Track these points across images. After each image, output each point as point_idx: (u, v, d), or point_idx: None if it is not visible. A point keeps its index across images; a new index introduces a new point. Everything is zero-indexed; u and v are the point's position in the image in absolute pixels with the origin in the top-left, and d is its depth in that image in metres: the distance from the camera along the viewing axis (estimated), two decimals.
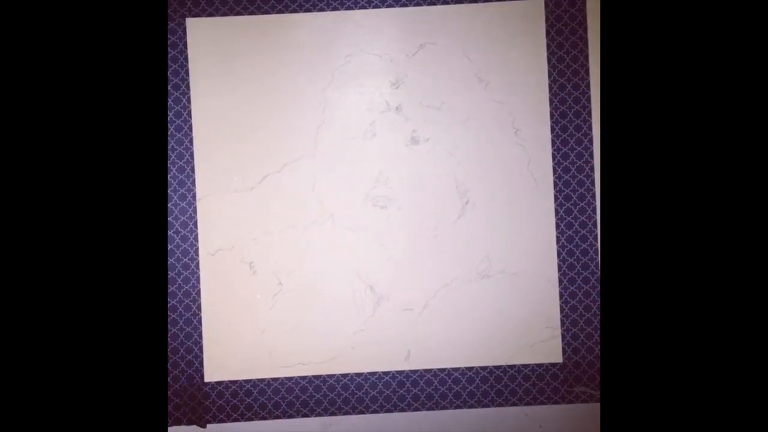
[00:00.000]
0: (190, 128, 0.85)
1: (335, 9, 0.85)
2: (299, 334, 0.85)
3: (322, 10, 0.85)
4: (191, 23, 0.85)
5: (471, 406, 0.86)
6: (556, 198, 0.85)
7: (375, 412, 0.85)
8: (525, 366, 0.86)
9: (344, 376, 0.85)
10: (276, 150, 0.85)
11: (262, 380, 0.85)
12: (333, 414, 0.85)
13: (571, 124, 0.85)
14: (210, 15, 0.85)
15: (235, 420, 0.85)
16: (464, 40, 0.86)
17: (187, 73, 0.85)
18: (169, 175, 0.84)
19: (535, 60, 0.85)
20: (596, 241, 0.83)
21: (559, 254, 0.85)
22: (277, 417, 0.85)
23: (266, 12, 0.85)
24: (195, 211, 0.85)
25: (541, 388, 0.86)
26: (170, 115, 0.85)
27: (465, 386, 0.85)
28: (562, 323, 0.85)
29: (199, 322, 0.85)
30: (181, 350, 0.85)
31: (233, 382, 0.85)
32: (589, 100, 0.85)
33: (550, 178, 0.85)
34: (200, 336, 0.85)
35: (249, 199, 0.85)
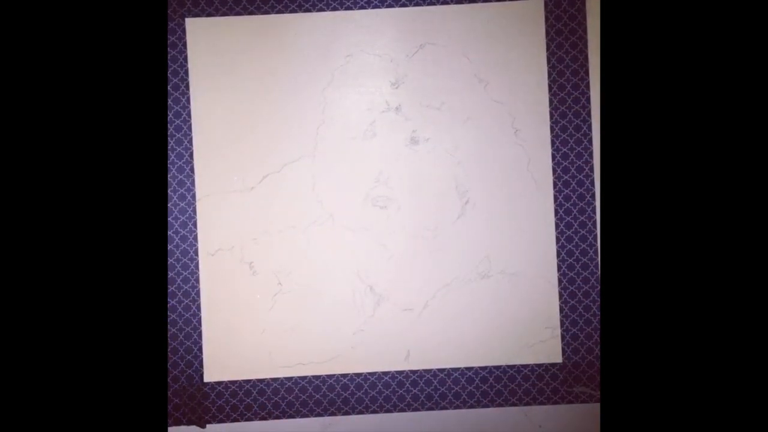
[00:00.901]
0: (190, 128, 0.85)
1: (335, 9, 0.85)
2: (299, 334, 0.85)
3: (321, 10, 0.85)
4: (191, 23, 0.85)
5: (471, 406, 0.86)
6: (555, 198, 0.85)
7: (375, 412, 0.85)
8: (525, 366, 0.86)
9: (344, 376, 0.85)
10: (276, 150, 0.85)
11: (261, 380, 0.85)
12: (333, 414, 0.85)
13: (571, 124, 0.85)
14: (209, 15, 0.85)
15: (235, 420, 0.85)
16: (464, 40, 0.86)
17: (186, 73, 0.85)
18: (168, 175, 0.84)
19: (535, 60, 0.85)
20: (596, 241, 0.83)
21: (558, 254, 0.85)
22: (277, 417, 0.85)
23: (266, 12, 0.85)
24: (195, 211, 0.85)
25: (541, 388, 0.86)
26: (170, 115, 0.84)
27: (464, 386, 0.85)
28: (562, 323, 0.85)
29: (199, 322, 0.85)
30: (181, 350, 0.85)
31: (233, 382, 0.85)
32: (588, 100, 0.85)
33: (550, 178, 0.85)
34: (200, 336, 0.85)
35: (249, 199, 0.85)
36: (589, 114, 0.85)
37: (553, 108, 0.85)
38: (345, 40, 0.86)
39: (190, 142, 0.85)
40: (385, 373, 0.85)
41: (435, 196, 0.85)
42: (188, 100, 0.85)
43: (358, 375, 0.85)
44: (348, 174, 0.86)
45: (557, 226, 0.85)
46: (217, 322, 0.85)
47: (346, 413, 0.85)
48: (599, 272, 0.78)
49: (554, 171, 0.85)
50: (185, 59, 0.85)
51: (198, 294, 0.85)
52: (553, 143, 0.85)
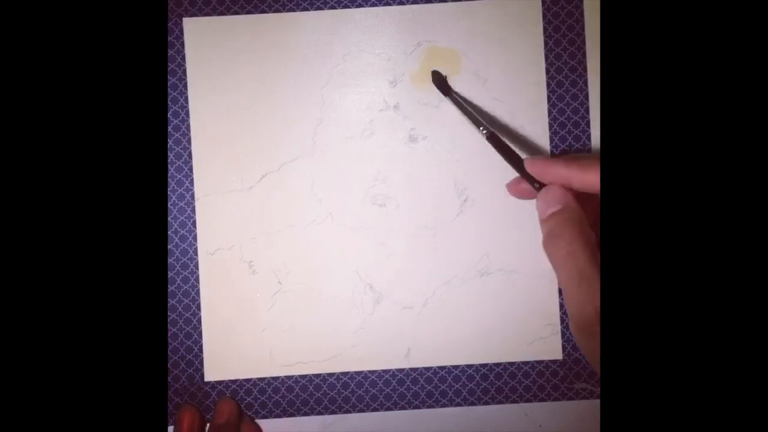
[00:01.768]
0: (188, 128, 0.85)
1: (333, 8, 0.85)
2: (299, 333, 0.85)
3: (319, 8, 0.85)
4: (188, 23, 0.85)
5: (471, 404, 0.86)
6: None
7: (375, 410, 0.85)
8: (525, 363, 0.86)
9: (344, 374, 0.85)
10: (274, 149, 0.85)
11: (262, 379, 0.85)
12: (333, 413, 0.85)
13: (569, 120, 0.85)
14: (207, 14, 0.85)
15: None
16: (462, 38, 0.86)
17: (184, 72, 0.85)
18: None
19: (533, 57, 0.86)
20: None
21: None
22: (278, 416, 0.85)
23: (263, 11, 0.85)
24: (194, 210, 0.85)
25: (541, 385, 0.86)
26: (168, 114, 0.84)
27: (465, 384, 0.85)
28: (562, 320, 0.86)
29: (199, 321, 0.85)
30: (181, 350, 0.85)
31: (233, 382, 0.85)
32: (587, 97, 0.85)
33: None
34: (200, 335, 0.85)
35: (248, 198, 0.85)
36: (587, 111, 0.85)
37: (551, 105, 0.85)
38: (343, 39, 0.86)
39: (189, 141, 0.85)
40: (386, 371, 0.85)
41: (434, 195, 0.86)
42: (186, 100, 0.85)
43: (359, 373, 0.85)
44: (347, 173, 0.86)
45: None
46: (217, 321, 0.85)
47: (347, 411, 0.85)
48: None
49: None
50: (183, 58, 0.85)
51: (198, 294, 0.85)
52: (551, 140, 0.85)
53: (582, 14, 0.85)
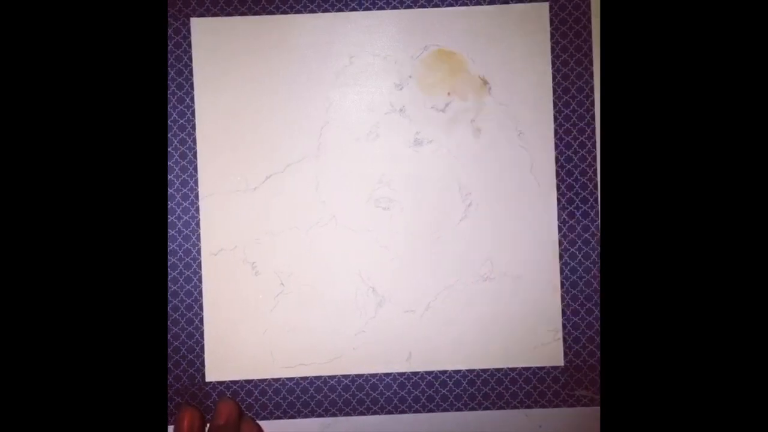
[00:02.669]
0: (194, 128, 0.85)
1: (339, 10, 0.85)
2: (301, 335, 0.85)
3: (326, 11, 0.85)
4: (195, 23, 0.85)
5: (472, 409, 0.85)
6: (558, 201, 0.85)
7: (375, 413, 0.85)
8: (526, 369, 0.85)
9: (345, 377, 0.85)
10: (279, 150, 0.85)
11: (263, 380, 0.85)
12: (334, 415, 0.85)
13: (575, 127, 0.85)
14: (214, 15, 0.85)
15: None
16: (468, 42, 0.85)
17: (191, 72, 0.85)
18: (172, 175, 0.84)
19: (539, 62, 0.85)
20: (599, 244, 0.83)
21: (561, 257, 0.85)
22: (278, 417, 0.85)
23: (270, 12, 0.85)
24: (198, 210, 0.85)
25: (542, 391, 0.86)
26: (174, 114, 0.85)
27: (466, 388, 0.85)
28: (564, 326, 0.85)
29: (201, 321, 0.85)
30: (183, 350, 0.85)
31: (234, 382, 0.85)
32: (593, 103, 0.85)
33: (553, 181, 0.85)
34: (202, 336, 0.85)
35: (252, 199, 0.85)
36: (593, 117, 0.85)
37: (557, 111, 0.85)
38: (348, 42, 0.86)
39: (194, 141, 0.85)
40: (387, 375, 0.85)
41: (438, 198, 0.85)
42: (192, 100, 0.85)
43: (360, 376, 0.85)
44: (351, 175, 0.86)
45: (560, 228, 0.85)
46: (219, 322, 0.85)
47: (347, 414, 0.85)
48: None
49: (558, 174, 0.85)
50: (190, 59, 0.85)
51: (200, 294, 0.85)
52: (556, 146, 0.85)
53: (589, 20, 0.85)
